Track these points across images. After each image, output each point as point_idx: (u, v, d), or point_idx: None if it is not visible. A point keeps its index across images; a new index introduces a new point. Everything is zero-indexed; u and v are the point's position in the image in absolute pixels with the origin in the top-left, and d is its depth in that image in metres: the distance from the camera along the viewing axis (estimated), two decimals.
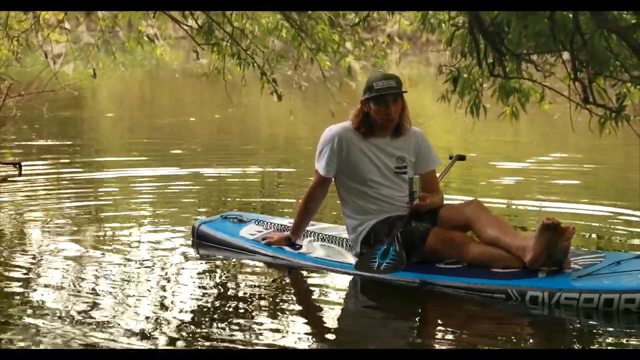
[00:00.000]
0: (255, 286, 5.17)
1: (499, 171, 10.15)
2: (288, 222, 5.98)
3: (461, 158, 6.34)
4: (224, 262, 5.72)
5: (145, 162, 10.16)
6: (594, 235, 6.77)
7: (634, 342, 4.36)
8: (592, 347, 4.30)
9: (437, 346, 4.34)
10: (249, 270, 5.53)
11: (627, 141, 9.89)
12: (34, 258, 5.69)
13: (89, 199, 7.90)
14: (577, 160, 10.88)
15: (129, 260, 5.64)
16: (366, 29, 9.49)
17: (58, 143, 11.90)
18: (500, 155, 11.55)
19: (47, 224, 6.71)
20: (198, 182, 9.01)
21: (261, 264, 5.65)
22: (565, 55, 6.62)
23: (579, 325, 4.64)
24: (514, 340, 4.40)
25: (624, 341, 4.37)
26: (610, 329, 4.53)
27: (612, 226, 7.11)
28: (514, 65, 6.72)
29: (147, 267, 5.51)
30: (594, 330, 4.55)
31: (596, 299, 4.76)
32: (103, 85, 20.69)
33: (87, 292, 4.93)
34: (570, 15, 6.01)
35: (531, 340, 4.50)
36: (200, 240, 6.10)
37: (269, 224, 6.14)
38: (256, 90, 8.87)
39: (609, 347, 4.26)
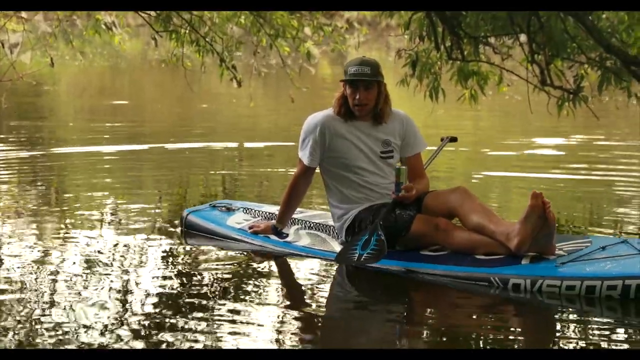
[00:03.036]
0: (240, 276, 5.10)
1: (476, 154, 10.16)
2: (276, 209, 5.88)
3: (453, 139, 6.20)
4: (210, 251, 5.63)
5: (114, 145, 10.11)
6: (585, 217, 6.80)
7: (616, 329, 4.37)
8: (572, 333, 4.30)
9: (421, 335, 4.32)
10: (234, 259, 5.45)
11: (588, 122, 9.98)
12: None
13: (52, 184, 7.86)
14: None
15: (100, 249, 5.59)
16: (325, 14, 9.48)
17: (18, 128, 11.81)
18: (474, 137, 11.59)
19: (8, 210, 6.65)
20: (163, 161, 9.08)
21: (247, 253, 5.57)
22: (523, 37, 6.66)
23: (561, 312, 4.62)
24: (497, 327, 4.39)
25: (605, 327, 4.36)
26: (592, 316, 4.52)
27: (606, 207, 7.16)
28: (471, 48, 6.76)
29: (117, 257, 5.43)
30: (576, 317, 4.54)
31: (578, 286, 4.73)
32: (63, 74, 20.55)
33: (55, 285, 4.85)
34: None
35: (513, 329, 4.48)
36: (189, 230, 6.05)
37: (257, 212, 6.09)
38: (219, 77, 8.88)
39: (590, 334, 4.27)
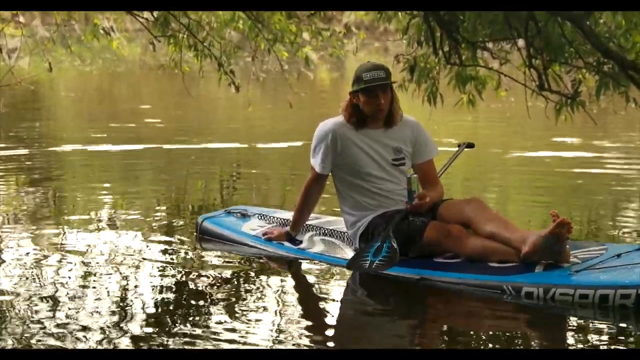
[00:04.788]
0: (252, 282, 5.09)
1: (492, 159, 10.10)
2: (291, 216, 5.83)
3: (470, 146, 6.17)
4: (223, 257, 5.63)
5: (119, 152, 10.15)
6: (601, 224, 6.75)
7: (630, 339, 4.33)
8: (586, 342, 4.25)
9: (434, 342, 4.31)
10: (247, 266, 5.43)
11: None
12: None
13: (53, 187, 7.92)
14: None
15: (111, 253, 5.61)
16: (323, 19, 9.47)
17: (18, 131, 11.83)
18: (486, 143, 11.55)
19: (11, 215, 6.66)
20: (163, 161, 9.12)
21: (261, 260, 5.57)
22: (521, 42, 6.66)
23: (574, 320, 4.58)
24: (510, 336, 4.36)
25: (618, 336, 4.33)
26: (606, 325, 4.46)
27: (623, 213, 7.13)
28: (469, 53, 6.76)
29: (129, 261, 5.45)
30: (589, 326, 4.48)
31: (591, 295, 4.67)
32: (62, 78, 20.55)
33: (57, 290, 4.86)
34: None
35: (526, 336, 4.45)
36: (203, 235, 6.05)
37: (272, 218, 6.08)
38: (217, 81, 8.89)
39: (603, 343, 4.22)
